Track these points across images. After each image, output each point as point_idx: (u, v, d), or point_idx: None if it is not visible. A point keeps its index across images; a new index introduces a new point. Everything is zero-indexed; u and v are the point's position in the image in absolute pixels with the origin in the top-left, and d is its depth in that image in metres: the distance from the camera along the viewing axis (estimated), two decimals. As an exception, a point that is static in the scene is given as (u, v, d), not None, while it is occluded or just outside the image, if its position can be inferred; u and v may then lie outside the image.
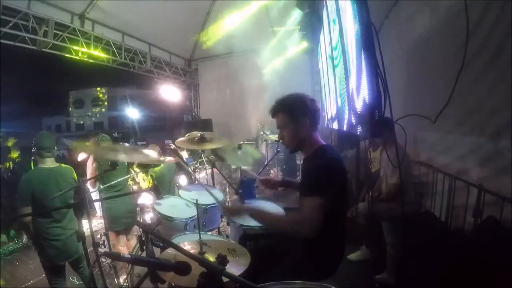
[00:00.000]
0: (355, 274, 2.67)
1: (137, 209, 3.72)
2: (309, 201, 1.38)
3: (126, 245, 3.04)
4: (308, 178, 1.48)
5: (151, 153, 3.53)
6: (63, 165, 2.48)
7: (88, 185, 2.74)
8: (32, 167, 2.37)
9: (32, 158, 2.37)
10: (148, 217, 2.78)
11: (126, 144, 2.40)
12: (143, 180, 4.07)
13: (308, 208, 1.37)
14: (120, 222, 2.90)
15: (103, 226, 2.88)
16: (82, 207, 1.60)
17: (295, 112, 1.56)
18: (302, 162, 1.69)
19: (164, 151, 4.38)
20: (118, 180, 2.65)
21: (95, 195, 2.83)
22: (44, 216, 2.24)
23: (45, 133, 2.47)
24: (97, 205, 3.30)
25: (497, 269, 1.61)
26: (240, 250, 1.41)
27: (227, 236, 2.45)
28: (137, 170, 3.75)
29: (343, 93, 2.83)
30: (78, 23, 5.07)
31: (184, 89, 8.81)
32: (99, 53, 5.47)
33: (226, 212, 1.50)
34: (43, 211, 2.23)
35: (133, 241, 3.12)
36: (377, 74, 1.40)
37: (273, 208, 2.31)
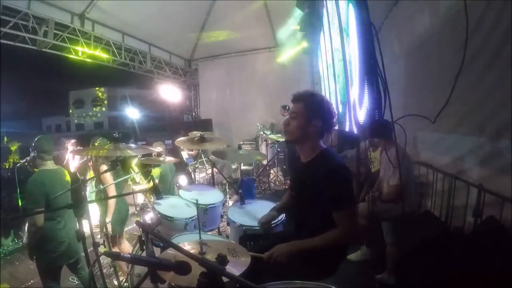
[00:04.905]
0: (355, 274, 2.66)
1: (137, 209, 3.73)
2: (344, 215, 1.43)
3: (119, 249, 3.03)
4: (327, 188, 1.43)
5: (158, 148, 3.54)
6: (61, 167, 2.48)
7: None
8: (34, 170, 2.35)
9: (25, 162, 2.36)
10: (148, 217, 2.78)
11: (132, 145, 2.39)
12: (144, 180, 4.08)
13: (346, 222, 1.42)
14: (118, 224, 2.89)
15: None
16: (82, 207, 1.60)
17: (315, 110, 1.54)
18: (300, 164, 1.66)
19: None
20: (118, 180, 2.64)
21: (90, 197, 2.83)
22: (51, 218, 2.22)
23: (44, 136, 2.44)
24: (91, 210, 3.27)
25: (497, 269, 1.61)
26: (240, 250, 1.41)
27: (227, 236, 2.45)
28: (137, 170, 3.76)
29: (343, 93, 2.83)
30: (78, 23, 5.07)
31: (184, 89, 8.81)
32: (99, 53, 5.47)
33: (273, 261, 1.45)
34: (50, 212, 2.21)
35: (125, 244, 3.10)
36: (377, 74, 1.40)
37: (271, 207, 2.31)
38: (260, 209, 2.27)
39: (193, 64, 8.82)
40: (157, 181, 3.74)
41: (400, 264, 2.48)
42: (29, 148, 2.34)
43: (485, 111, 2.14)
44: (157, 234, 1.11)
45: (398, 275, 2.47)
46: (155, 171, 3.72)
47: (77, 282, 2.75)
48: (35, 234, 2.16)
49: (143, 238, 1.19)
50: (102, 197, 2.67)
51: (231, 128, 8.26)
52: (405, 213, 2.38)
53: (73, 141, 4.31)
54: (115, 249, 2.91)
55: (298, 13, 5.00)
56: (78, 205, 1.59)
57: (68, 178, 2.47)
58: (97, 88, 31.39)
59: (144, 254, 1.19)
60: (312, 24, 4.60)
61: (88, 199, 1.86)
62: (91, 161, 2.95)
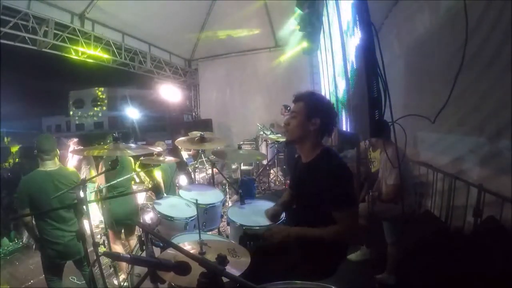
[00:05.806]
0: (355, 274, 2.66)
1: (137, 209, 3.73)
2: (344, 215, 1.42)
3: (121, 245, 3.04)
4: (328, 188, 1.43)
5: (159, 148, 3.55)
6: (68, 168, 2.46)
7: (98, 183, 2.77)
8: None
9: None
10: (148, 217, 2.79)
11: (133, 145, 2.39)
12: (148, 180, 4.09)
13: (347, 222, 1.41)
14: (118, 222, 2.89)
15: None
16: (81, 206, 1.60)
17: (314, 108, 1.54)
18: (301, 163, 1.66)
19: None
20: (118, 180, 2.64)
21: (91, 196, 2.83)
22: (42, 219, 2.23)
23: (45, 135, 2.42)
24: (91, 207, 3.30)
25: (497, 269, 1.61)
26: (240, 250, 1.41)
27: (227, 236, 2.45)
28: (138, 169, 3.76)
29: (342, 93, 2.83)
30: (78, 23, 5.07)
31: (184, 89, 8.80)
32: (99, 53, 5.47)
33: (268, 237, 1.50)
34: (41, 213, 2.23)
35: (134, 241, 3.12)
36: (377, 74, 1.40)
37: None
38: (260, 209, 2.27)
39: (193, 64, 8.81)
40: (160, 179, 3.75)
41: (400, 264, 2.48)
42: (28, 148, 2.36)
43: (485, 111, 2.14)
44: (157, 234, 1.11)
45: (398, 275, 2.47)
46: (154, 171, 3.72)
47: (77, 281, 2.76)
48: (27, 228, 2.32)
49: (143, 238, 1.19)
50: (102, 197, 2.67)
51: (231, 128, 8.26)
52: (405, 213, 2.38)
53: (75, 140, 4.31)
54: (114, 247, 2.91)
55: (298, 13, 5.00)
56: (77, 205, 1.59)
57: (78, 177, 2.43)
58: (97, 88, 31.34)
59: (144, 254, 1.19)
60: (312, 24, 4.59)
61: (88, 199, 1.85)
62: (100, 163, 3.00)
